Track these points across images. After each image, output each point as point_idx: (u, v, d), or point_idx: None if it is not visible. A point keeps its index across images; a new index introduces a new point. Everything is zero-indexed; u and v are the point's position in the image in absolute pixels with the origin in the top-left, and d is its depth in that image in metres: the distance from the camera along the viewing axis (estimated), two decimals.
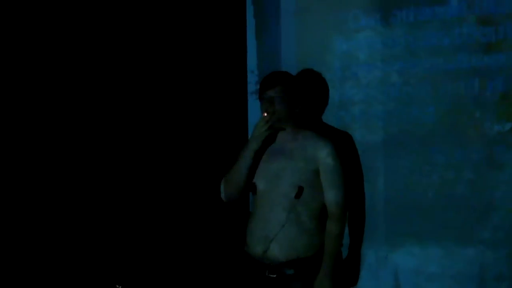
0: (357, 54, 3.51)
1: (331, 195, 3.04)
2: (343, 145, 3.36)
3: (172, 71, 3.88)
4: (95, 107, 4.07)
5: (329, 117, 3.53)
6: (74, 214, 4.04)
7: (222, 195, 3.16)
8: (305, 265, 3.01)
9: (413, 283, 3.41)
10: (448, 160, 3.33)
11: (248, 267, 3.10)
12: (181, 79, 3.87)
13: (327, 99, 3.54)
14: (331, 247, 3.02)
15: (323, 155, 3.04)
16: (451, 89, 3.32)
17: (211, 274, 3.86)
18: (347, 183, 3.09)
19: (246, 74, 3.74)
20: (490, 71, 3.25)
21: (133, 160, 4.00)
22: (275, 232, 3.00)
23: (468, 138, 3.29)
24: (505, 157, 3.23)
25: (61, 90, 4.09)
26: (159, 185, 3.93)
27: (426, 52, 3.36)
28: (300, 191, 3.01)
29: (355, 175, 3.45)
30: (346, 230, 3.25)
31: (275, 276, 3.01)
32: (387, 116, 3.44)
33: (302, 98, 3.12)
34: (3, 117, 4.03)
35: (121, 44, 4.03)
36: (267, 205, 3.06)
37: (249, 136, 3.12)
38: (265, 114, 3.02)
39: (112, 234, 4.01)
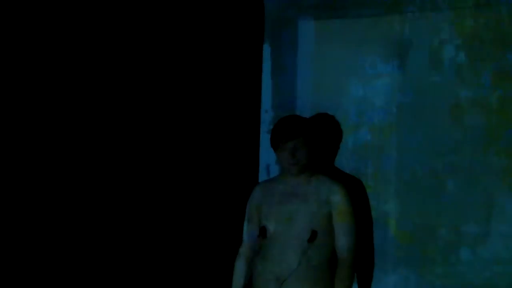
0: (373, 100, 3.52)
1: (343, 241, 3.05)
2: (354, 190, 3.36)
3: (187, 107, 3.88)
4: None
5: (342, 161, 3.53)
6: (77, 215, 3.98)
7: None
8: None
9: None
10: (459, 204, 3.30)
11: None
12: (195, 115, 3.87)
13: (340, 144, 3.54)
14: None
15: (337, 200, 3.05)
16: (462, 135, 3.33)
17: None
18: (359, 229, 3.10)
19: (259, 113, 3.75)
20: None
21: (144, 192, 3.97)
22: (286, 274, 2.99)
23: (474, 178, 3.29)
24: None
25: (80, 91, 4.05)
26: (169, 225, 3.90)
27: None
28: (313, 235, 3.01)
29: (365, 221, 3.45)
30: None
31: None
32: (400, 162, 3.43)
33: (319, 144, 3.14)
34: (3, 117, 3.98)
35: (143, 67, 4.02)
36: (278, 247, 3.06)
37: None
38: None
39: (112, 235, 3.96)
